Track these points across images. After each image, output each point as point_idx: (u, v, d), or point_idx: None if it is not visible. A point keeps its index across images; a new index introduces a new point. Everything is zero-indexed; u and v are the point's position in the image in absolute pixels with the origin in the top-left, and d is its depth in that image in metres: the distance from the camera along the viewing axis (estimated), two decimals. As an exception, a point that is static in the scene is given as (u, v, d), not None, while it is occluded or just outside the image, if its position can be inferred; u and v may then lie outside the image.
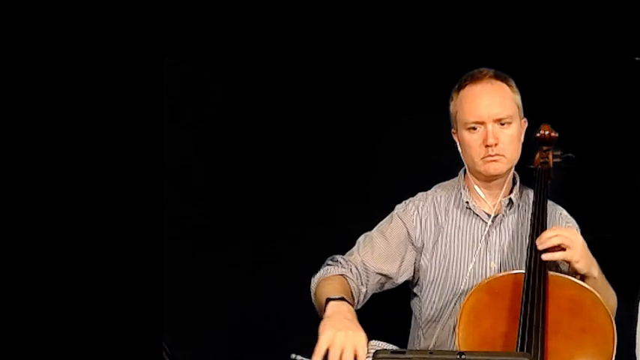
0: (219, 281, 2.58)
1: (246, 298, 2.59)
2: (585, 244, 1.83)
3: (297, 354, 1.60)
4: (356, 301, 1.92)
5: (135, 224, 1.26)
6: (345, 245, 2.03)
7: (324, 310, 1.70)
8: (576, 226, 2.04)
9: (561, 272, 1.85)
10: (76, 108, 1.24)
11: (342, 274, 1.91)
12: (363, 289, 1.94)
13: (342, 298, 1.72)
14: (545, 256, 1.77)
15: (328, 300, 1.72)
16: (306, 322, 1.91)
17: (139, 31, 1.28)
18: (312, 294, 1.92)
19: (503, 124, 1.90)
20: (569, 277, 1.81)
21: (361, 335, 1.60)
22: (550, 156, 2.03)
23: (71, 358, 1.19)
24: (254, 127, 2.66)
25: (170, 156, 1.69)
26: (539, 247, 1.78)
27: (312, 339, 1.64)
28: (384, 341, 1.68)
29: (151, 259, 1.27)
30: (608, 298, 1.87)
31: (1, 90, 1.19)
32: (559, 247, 1.79)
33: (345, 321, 1.64)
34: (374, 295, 2.03)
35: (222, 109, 2.64)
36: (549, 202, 1.99)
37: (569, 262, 1.80)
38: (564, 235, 1.80)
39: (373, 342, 1.65)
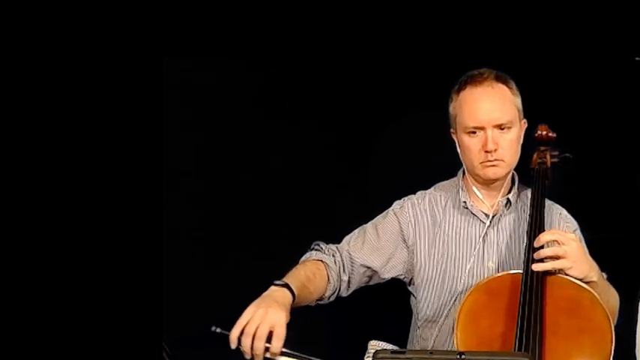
0: (220, 281, 2.58)
1: (246, 297, 2.58)
2: (583, 250, 1.82)
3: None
4: (333, 286, 1.92)
5: (135, 224, 1.26)
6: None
7: None
8: (576, 225, 2.04)
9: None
10: (77, 108, 1.24)
11: (320, 260, 1.92)
12: (345, 278, 1.95)
13: (284, 285, 1.75)
14: (535, 267, 1.75)
15: (272, 284, 1.76)
16: (307, 321, 1.91)
17: (139, 31, 1.29)
18: None
19: (503, 129, 1.89)
20: (567, 277, 1.81)
21: (281, 314, 1.65)
22: (548, 156, 2.03)
23: (71, 358, 1.20)
24: (254, 127, 2.65)
25: (170, 156, 1.69)
26: (535, 257, 1.77)
27: (313, 338, 1.65)
28: (384, 341, 1.68)
29: (151, 259, 1.27)
30: (609, 298, 1.86)
31: (1, 90, 1.20)
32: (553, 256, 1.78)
33: (272, 302, 1.68)
34: (374, 295, 2.03)
35: (221, 109, 2.64)
36: (548, 202, 1.99)
37: (561, 270, 1.79)
38: (558, 245, 1.78)
39: (373, 342, 1.66)
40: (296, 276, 1.82)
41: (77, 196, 1.22)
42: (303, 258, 1.94)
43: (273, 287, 1.75)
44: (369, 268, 1.98)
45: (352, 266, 1.96)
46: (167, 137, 1.42)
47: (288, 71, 2.66)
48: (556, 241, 1.79)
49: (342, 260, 1.95)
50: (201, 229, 2.62)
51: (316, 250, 1.96)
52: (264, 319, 1.63)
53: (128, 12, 1.28)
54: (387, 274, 2.00)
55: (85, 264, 1.22)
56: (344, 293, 1.96)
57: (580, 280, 1.78)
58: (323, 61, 2.64)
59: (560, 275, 1.81)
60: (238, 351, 1.70)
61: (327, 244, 1.99)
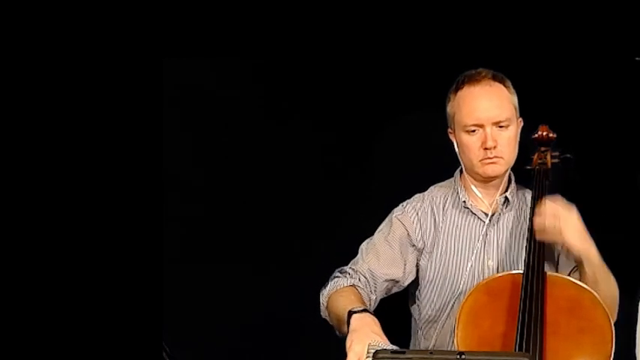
0: (220, 281, 2.58)
1: (246, 298, 2.59)
2: (582, 227, 1.83)
3: None
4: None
5: (135, 225, 1.26)
6: (346, 246, 2.03)
7: (348, 324, 1.70)
8: None
9: (559, 263, 1.88)
10: (76, 108, 1.24)
11: (352, 285, 1.91)
12: (373, 297, 1.94)
13: (364, 310, 1.72)
14: (538, 236, 1.80)
15: (351, 313, 1.72)
16: (307, 323, 1.92)
17: (139, 31, 1.29)
18: (322, 307, 1.92)
19: (501, 127, 1.90)
20: (568, 277, 1.81)
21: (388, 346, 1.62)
22: (548, 157, 2.03)
23: (71, 358, 1.20)
24: (254, 128, 2.66)
25: (170, 157, 1.69)
26: (536, 227, 1.80)
27: (313, 340, 1.65)
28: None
29: (152, 259, 1.27)
30: (609, 283, 1.85)
31: (1, 90, 1.19)
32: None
33: (373, 334, 1.65)
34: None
35: (221, 110, 2.65)
36: (547, 202, 1.99)
37: (562, 244, 1.82)
38: (559, 216, 1.80)
39: (373, 342, 1.65)
40: (358, 302, 1.80)
41: (77, 196, 1.22)
42: (334, 287, 1.91)
43: (357, 315, 1.71)
44: (391, 280, 1.96)
45: (375, 283, 1.95)
46: (166, 138, 1.42)
47: (286, 72, 2.66)
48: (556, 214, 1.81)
49: (367, 280, 1.94)
50: (202, 229, 2.62)
51: (341, 277, 1.94)
52: None
53: (128, 12, 1.28)
54: (407, 281, 1.99)
55: (86, 264, 1.22)
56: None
57: (579, 257, 1.80)
58: (322, 62, 2.64)
59: (561, 275, 1.82)
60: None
61: (342, 267, 1.97)
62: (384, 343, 1.65)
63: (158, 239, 1.29)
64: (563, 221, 1.80)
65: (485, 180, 1.97)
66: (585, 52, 2.55)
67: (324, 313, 1.92)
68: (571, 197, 2.12)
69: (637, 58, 2.48)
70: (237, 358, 2.62)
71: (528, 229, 1.87)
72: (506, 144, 1.91)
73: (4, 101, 1.20)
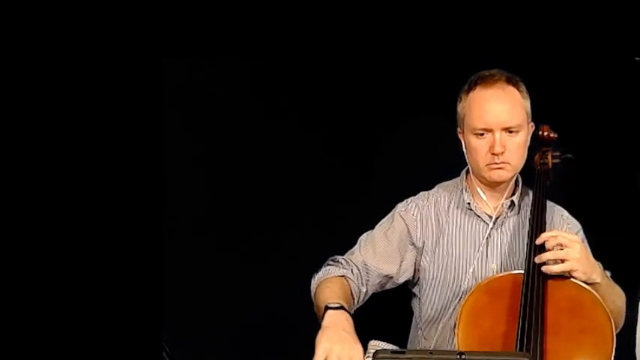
0: (220, 281, 2.58)
1: (246, 297, 2.59)
2: (586, 252, 1.81)
3: None
4: (356, 301, 1.91)
5: (135, 224, 1.26)
6: (347, 245, 2.03)
7: (322, 319, 1.69)
8: (578, 226, 2.03)
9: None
10: (76, 108, 1.24)
11: (342, 275, 1.90)
12: (364, 289, 1.94)
13: (340, 307, 1.71)
14: (544, 269, 1.76)
15: (327, 308, 1.71)
16: (307, 322, 1.91)
17: (139, 31, 1.29)
18: (312, 294, 1.92)
19: (511, 132, 1.87)
20: (569, 278, 1.81)
21: (358, 349, 1.61)
22: (549, 157, 2.02)
23: (71, 358, 1.20)
24: (256, 127, 2.66)
25: (170, 157, 1.69)
26: (537, 261, 1.77)
27: (313, 340, 1.64)
28: (384, 341, 1.68)
29: (152, 259, 1.27)
30: (615, 298, 1.84)
31: (1, 90, 1.19)
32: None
33: (343, 333, 1.63)
34: (374, 295, 2.03)
35: (221, 110, 2.64)
36: (550, 204, 1.98)
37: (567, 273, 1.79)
38: (562, 246, 1.77)
39: (373, 342, 1.65)
40: (340, 296, 1.79)
41: (77, 196, 1.22)
42: (324, 274, 1.91)
43: (332, 312, 1.69)
44: (385, 275, 1.96)
45: (368, 276, 1.94)
46: (166, 137, 1.42)
47: (290, 71, 2.66)
48: (559, 243, 1.78)
49: (360, 272, 1.94)
50: (202, 229, 2.62)
51: (334, 265, 1.94)
52: (343, 356, 1.58)
53: (128, 12, 1.28)
54: (402, 279, 1.99)
55: (86, 264, 1.22)
56: (359, 304, 1.94)
57: (583, 282, 1.77)
58: (326, 61, 2.64)
59: (561, 276, 1.81)
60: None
61: (335, 256, 1.97)
62: (384, 343, 1.65)
63: (158, 239, 1.29)
64: (565, 255, 1.76)
65: (491, 184, 1.95)
66: (585, 52, 2.55)
67: (313, 299, 1.91)
68: (571, 197, 2.12)
69: (637, 58, 2.48)
70: (237, 358, 2.62)
71: (530, 222, 1.86)
72: (515, 150, 1.88)
73: (4, 101, 1.19)
